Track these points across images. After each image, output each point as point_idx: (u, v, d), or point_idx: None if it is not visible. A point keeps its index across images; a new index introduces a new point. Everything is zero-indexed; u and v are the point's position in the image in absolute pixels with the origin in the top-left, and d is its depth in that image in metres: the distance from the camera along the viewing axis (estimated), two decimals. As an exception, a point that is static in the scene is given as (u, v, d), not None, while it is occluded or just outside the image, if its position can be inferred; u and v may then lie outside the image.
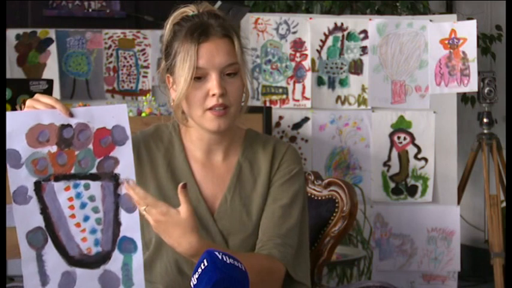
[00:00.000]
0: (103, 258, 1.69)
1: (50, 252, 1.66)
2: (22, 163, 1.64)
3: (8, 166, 1.64)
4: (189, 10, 1.91)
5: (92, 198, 1.67)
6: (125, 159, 1.69)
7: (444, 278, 4.55)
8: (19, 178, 1.65)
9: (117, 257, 1.69)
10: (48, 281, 1.66)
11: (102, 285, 1.69)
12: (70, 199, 1.67)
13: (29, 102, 1.69)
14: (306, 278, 1.96)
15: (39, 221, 1.65)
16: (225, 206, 1.94)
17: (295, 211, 1.94)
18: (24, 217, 1.65)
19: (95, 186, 1.68)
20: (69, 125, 1.67)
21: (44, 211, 1.66)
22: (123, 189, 1.69)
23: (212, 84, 1.84)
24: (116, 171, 1.69)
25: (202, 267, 1.59)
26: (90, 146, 1.67)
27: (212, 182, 1.96)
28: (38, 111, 1.67)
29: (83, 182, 1.67)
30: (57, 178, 1.67)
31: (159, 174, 1.95)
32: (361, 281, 3.94)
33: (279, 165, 1.97)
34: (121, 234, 1.68)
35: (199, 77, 1.85)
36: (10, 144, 1.64)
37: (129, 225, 1.69)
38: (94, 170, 1.68)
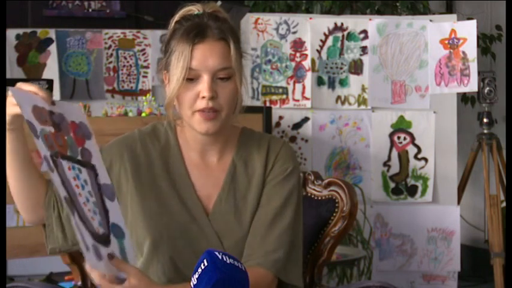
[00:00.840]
0: (106, 240, 1.68)
1: (78, 222, 1.66)
2: (38, 135, 1.64)
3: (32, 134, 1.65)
4: (195, 9, 1.91)
5: (86, 182, 1.67)
6: (95, 152, 1.69)
7: (444, 278, 4.55)
8: (41, 148, 1.64)
9: (114, 241, 1.69)
10: (88, 248, 1.66)
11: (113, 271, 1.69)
12: (74, 178, 1.66)
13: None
14: (298, 279, 1.95)
15: (64, 192, 1.65)
16: (220, 206, 1.93)
17: (288, 213, 1.93)
18: (56, 184, 1.65)
19: (85, 172, 1.67)
20: (54, 112, 1.67)
21: (64, 184, 1.65)
22: (102, 179, 1.68)
23: (203, 86, 1.84)
24: (92, 162, 1.69)
25: (202, 267, 1.59)
26: (72, 135, 1.68)
27: (207, 182, 1.95)
28: (31, 95, 1.66)
29: (76, 165, 1.67)
30: (63, 157, 1.66)
31: (156, 173, 1.95)
32: (361, 281, 3.94)
33: (274, 164, 1.96)
34: (110, 221, 1.68)
35: (191, 78, 1.84)
36: (25, 115, 1.64)
37: (114, 212, 1.69)
38: (80, 157, 1.68)
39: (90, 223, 1.66)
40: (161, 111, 3.75)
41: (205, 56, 1.84)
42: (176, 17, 1.92)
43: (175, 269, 1.91)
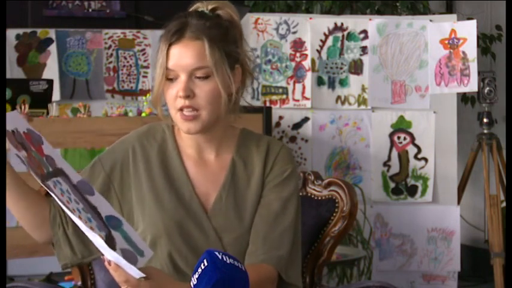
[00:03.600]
0: (111, 240, 1.67)
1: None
2: (27, 167, 1.63)
3: None
4: (201, 6, 1.93)
5: (68, 191, 1.66)
6: (55, 155, 1.67)
7: (444, 278, 4.55)
8: (36, 179, 1.63)
9: (116, 235, 1.68)
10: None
11: (129, 262, 1.67)
12: (62, 194, 1.65)
13: None
14: (297, 279, 1.97)
15: (69, 213, 1.64)
16: (220, 203, 1.94)
17: (289, 213, 1.94)
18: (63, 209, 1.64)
19: (62, 182, 1.66)
20: (13, 131, 1.65)
21: (64, 205, 1.64)
22: (74, 179, 1.67)
23: (179, 86, 1.86)
24: (58, 166, 1.67)
25: (202, 267, 1.59)
26: (33, 148, 1.66)
27: (205, 179, 1.96)
28: None
29: (54, 179, 1.66)
30: (45, 179, 1.65)
31: (153, 171, 1.96)
32: (361, 281, 3.94)
33: (273, 165, 1.97)
34: (103, 215, 1.67)
35: (171, 78, 1.87)
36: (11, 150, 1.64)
37: (101, 204, 1.67)
38: (50, 168, 1.67)
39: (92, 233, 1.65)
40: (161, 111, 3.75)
41: (180, 55, 1.86)
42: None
43: (173, 265, 1.92)
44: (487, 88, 4.64)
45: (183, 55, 1.86)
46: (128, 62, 4.89)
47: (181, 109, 1.87)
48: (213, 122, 1.91)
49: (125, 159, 1.97)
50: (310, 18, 4.61)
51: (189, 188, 1.94)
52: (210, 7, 1.93)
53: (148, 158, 1.97)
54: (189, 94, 1.86)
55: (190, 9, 1.94)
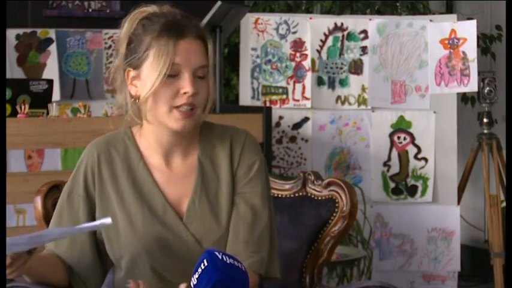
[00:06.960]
0: None
1: None
2: None
3: None
4: (151, 9, 1.90)
5: None
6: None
7: (444, 278, 4.55)
8: None
9: None
10: None
11: None
12: None
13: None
14: (275, 272, 1.97)
15: None
16: (194, 209, 1.91)
17: (265, 210, 1.93)
18: None
19: None
20: None
21: None
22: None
23: (185, 82, 1.84)
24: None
25: (202, 267, 1.59)
26: None
27: (176, 186, 1.93)
28: None
29: None
30: None
31: (120, 186, 1.92)
32: (361, 281, 3.94)
33: (240, 159, 1.95)
34: None
35: (171, 74, 1.84)
36: None
37: None
38: None
39: None
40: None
41: (189, 52, 1.85)
42: (135, 16, 1.89)
43: (158, 277, 1.89)
44: (487, 88, 4.64)
45: (191, 52, 1.85)
46: (128, 62, 4.89)
47: (179, 106, 1.84)
48: (199, 121, 1.91)
49: (93, 176, 1.93)
50: (310, 18, 4.61)
51: (161, 200, 1.91)
52: (167, 11, 1.90)
53: (114, 173, 1.93)
54: (196, 91, 1.84)
55: (140, 10, 1.89)
